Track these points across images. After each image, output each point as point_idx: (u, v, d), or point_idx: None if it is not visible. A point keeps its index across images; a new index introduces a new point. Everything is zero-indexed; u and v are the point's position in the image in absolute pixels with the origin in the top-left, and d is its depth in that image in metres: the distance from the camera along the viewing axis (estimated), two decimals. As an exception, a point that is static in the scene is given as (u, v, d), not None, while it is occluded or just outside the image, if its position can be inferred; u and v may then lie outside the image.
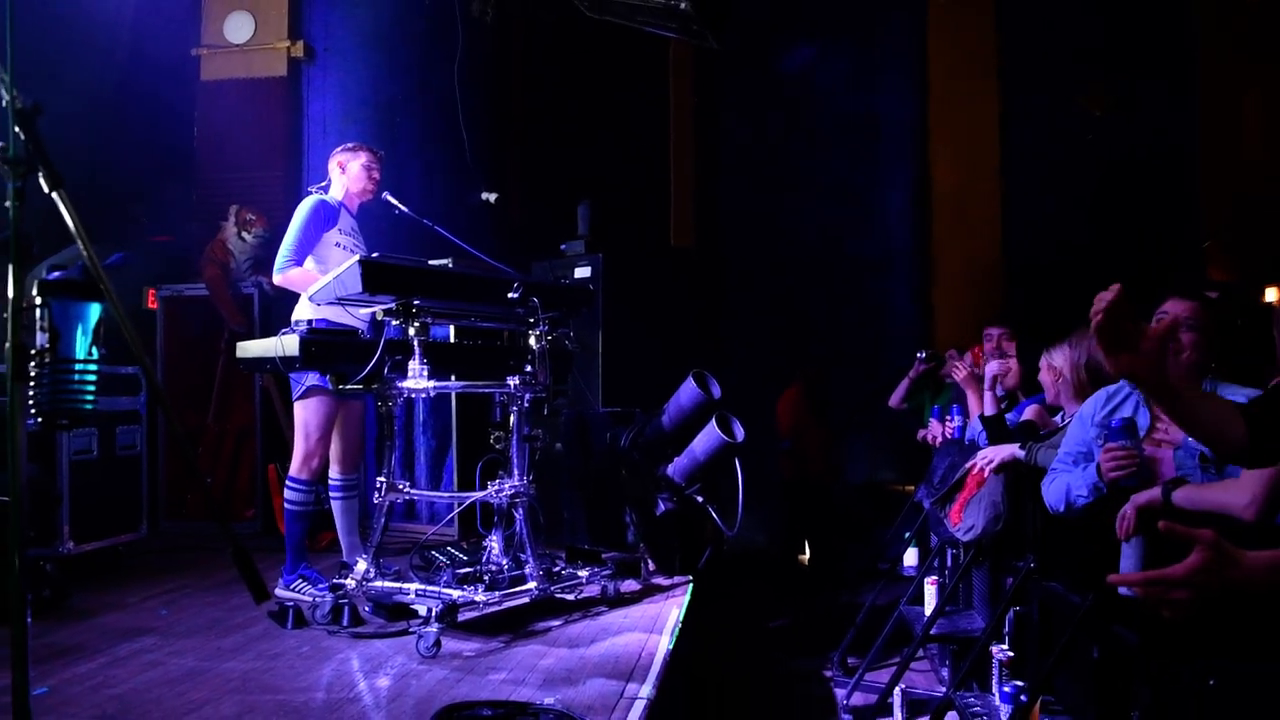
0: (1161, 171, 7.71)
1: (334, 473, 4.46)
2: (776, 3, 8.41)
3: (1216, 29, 8.05)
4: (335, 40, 7.18)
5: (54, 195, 1.61)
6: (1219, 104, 7.87)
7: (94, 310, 1.78)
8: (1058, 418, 3.89)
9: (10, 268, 1.58)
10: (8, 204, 1.60)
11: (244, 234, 6.38)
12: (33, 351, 1.65)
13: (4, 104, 1.64)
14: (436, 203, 6.49)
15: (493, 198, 7.27)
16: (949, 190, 8.34)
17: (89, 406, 1.87)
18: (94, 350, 1.82)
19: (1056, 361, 3.72)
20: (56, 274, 1.70)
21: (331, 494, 4.48)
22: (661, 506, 4.87)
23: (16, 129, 1.60)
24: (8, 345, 1.56)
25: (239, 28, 7.08)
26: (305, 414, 4.27)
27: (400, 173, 6.52)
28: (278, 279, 4.31)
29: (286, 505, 4.32)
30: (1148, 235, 7.43)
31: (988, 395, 4.55)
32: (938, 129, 8.44)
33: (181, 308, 6.50)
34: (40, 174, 1.60)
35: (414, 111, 7.22)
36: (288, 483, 4.31)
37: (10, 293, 1.57)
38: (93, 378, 1.83)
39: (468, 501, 4.27)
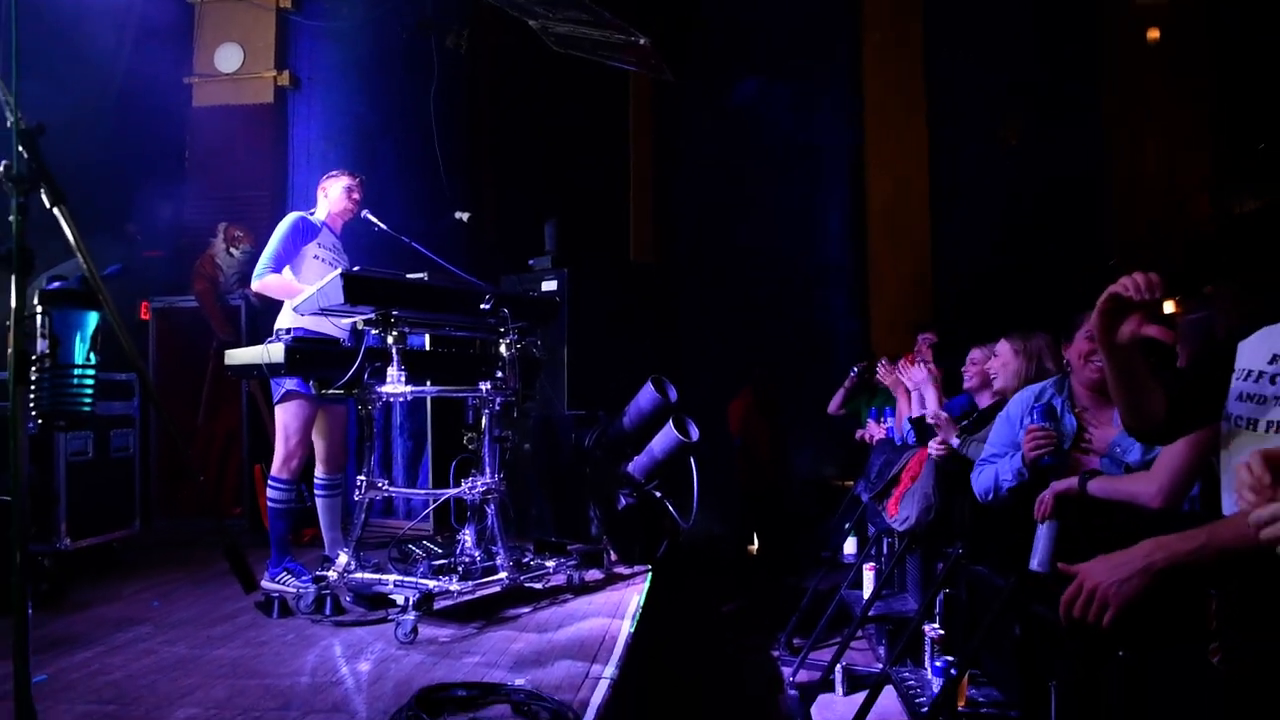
0: (1073, 194, 7.88)
1: (319, 472, 4.41)
2: (727, 40, 8.48)
3: (1121, 65, 8.26)
4: (319, 70, 7.11)
5: (55, 211, 1.58)
6: (1124, 133, 8.07)
7: (92, 319, 1.74)
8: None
9: (13, 279, 1.54)
10: (11, 218, 1.57)
11: (232, 250, 6.28)
12: (34, 357, 1.61)
13: (8, 124, 1.60)
14: (414, 221, 6.41)
15: (466, 217, 7.21)
16: (883, 210, 8.46)
17: (87, 409, 1.83)
18: (91, 356, 1.79)
19: (1005, 352, 3.74)
20: (57, 284, 1.66)
21: (316, 492, 4.42)
22: (622, 501, 4.86)
23: (20, 148, 1.57)
24: (10, 351, 1.53)
25: (229, 58, 6.98)
26: (285, 417, 4.22)
27: (381, 194, 6.44)
28: (256, 285, 4.25)
29: (270, 503, 4.26)
30: (1061, 251, 7.59)
31: (915, 397, 4.61)
32: (873, 155, 8.55)
33: (173, 318, 6.38)
34: (42, 190, 1.57)
35: (393, 136, 7.15)
36: (270, 482, 4.25)
37: (13, 302, 1.53)
38: (90, 382, 1.78)
39: (442, 498, 4.23)
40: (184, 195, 6.80)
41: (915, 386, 4.65)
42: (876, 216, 8.45)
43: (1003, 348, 3.82)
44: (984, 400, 4.32)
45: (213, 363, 6.26)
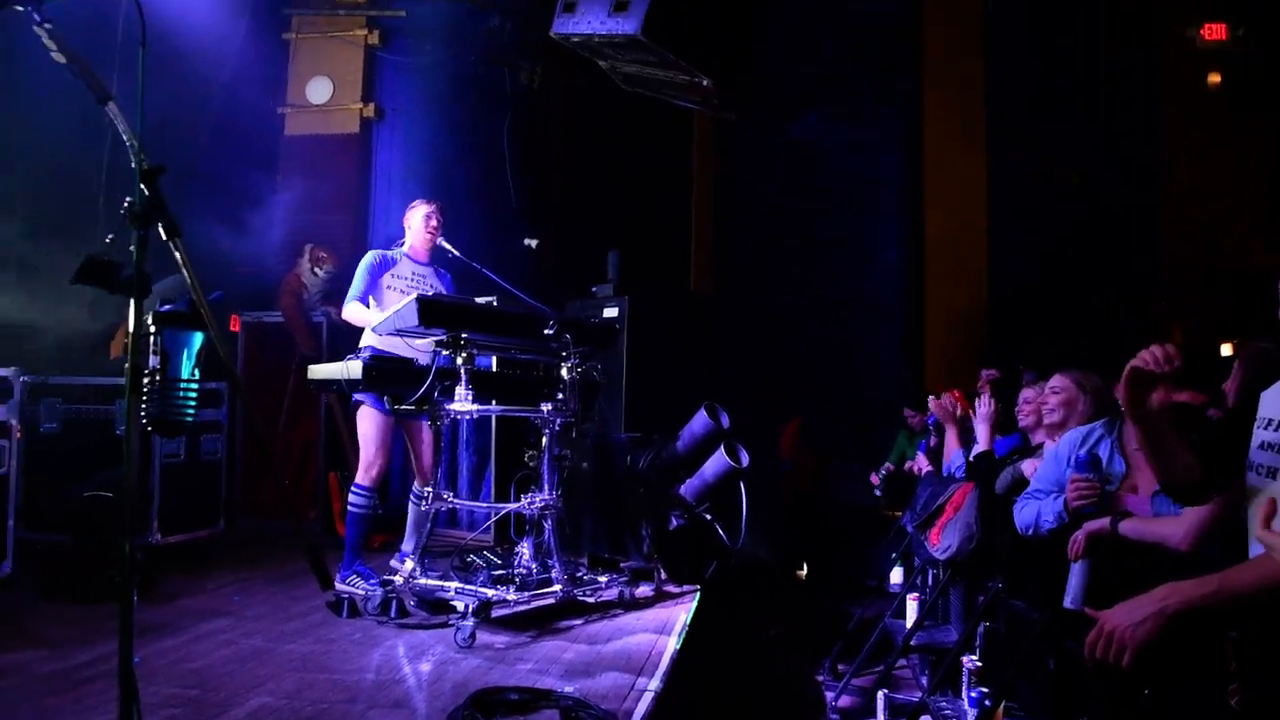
0: (1128, 234, 7.77)
1: (415, 483, 4.62)
2: (788, 76, 8.56)
3: (1180, 107, 8.15)
4: (401, 102, 7.40)
5: (170, 243, 1.74)
6: (1181, 174, 7.95)
7: (197, 338, 1.91)
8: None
9: (132, 301, 1.70)
10: (131, 248, 1.74)
11: (316, 269, 6.55)
12: (146, 371, 1.78)
13: (132, 164, 1.78)
14: (485, 246, 6.63)
15: (534, 243, 7.43)
16: (940, 243, 8.42)
17: (189, 419, 1.99)
18: (195, 371, 1.95)
19: (1063, 387, 3.67)
20: (166, 306, 1.82)
21: (410, 500, 4.61)
22: (674, 522, 4.94)
23: (142, 186, 1.74)
24: (126, 365, 1.69)
25: (319, 90, 7.31)
26: (363, 428, 4.40)
27: (454, 219, 6.66)
28: (344, 315, 4.49)
29: (349, 508, 4.43)
30: (1115, 292, 7.49)
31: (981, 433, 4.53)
32: (931, 190, 8.53)
33: (260, 332, 6.67)
34: (160, 225, 1.74)
35: (467, 165, 7.39)
36: (352, 489, 4.43)
37: (130, 322, 1.70)
38: (194, 394, 1.94)
39: (503, 511, 4.37)
40: (274, 218, 7.11)
41: (983, 420, 4.55)
42: (933, 251, 8.42)
43: (1060, 382, 3.77)
44: (1037, 438, 4.26)
45: (295, 375, 6.52)
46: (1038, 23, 8.19)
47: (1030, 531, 3.12)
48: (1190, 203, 7.89)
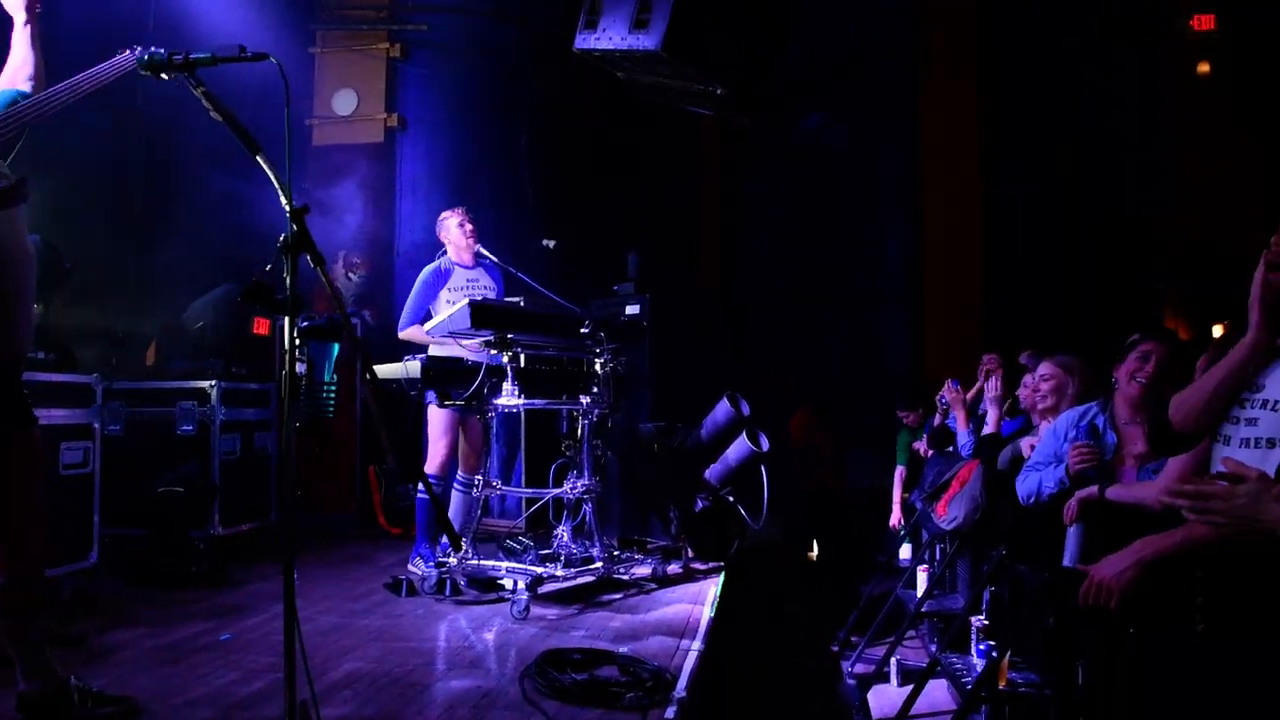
0: (1125, 225, 8.12)
1: (459, 472, 4.96)
2: (793, 79, 8.89)
3: (1178, 97, 8.48)
4: (424, 112, 7.76)
5: (317, 270, 2.11)
6: (1186, 162, 8.28)
7: (334, 348, 2.26)
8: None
9: (285, 320, 2.07)
10: (285, 276, 2.11)
11: (350, 275, 6.92)
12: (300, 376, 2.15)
13: (282, 204, 2.15)
14: (505, 246, 6.99)
15: (552, 244, 7.79)
16: (939, 238, 8.78)
17: (330, 414, 2.35)
18: (333, 375, 2.30)
19: (1053, 373, 4.03)
20: (306, 323, 2.17)
21: (455, 488, 4.95)
22: (699, 504, 5.33)
23: (292, 224, 2.11)
24: (283, 372, 2.05)
25: (345, 102, 7.66)
26: (431, 419, 4.78)
27: (477, 223, 7.03)
28: (401, 336, 4.86)
29: (418, 496, 4.79)
30: (1112, 276, 7.84)
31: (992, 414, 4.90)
32: (929, 186, 8.88)
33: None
34: (308, 256, 2.11)
35: (487, 172, 7.74)
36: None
37: (285, 338, 2.06)
38: (333, 394, 2.29)
39: (547, 496, 4.74)
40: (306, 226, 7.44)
41: (993, 402, 4.89)
42: (932, 244, 8.78)
43: (1048, 369, 4.15)
44: (1036, 419, 4.64)
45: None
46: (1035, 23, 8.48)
47: (1032, 500, 3.50)
48: (1190, 190, 8.21)
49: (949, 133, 8.66)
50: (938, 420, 5.60)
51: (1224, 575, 2.01)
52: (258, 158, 2.21)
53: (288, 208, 2.12)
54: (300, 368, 2.04)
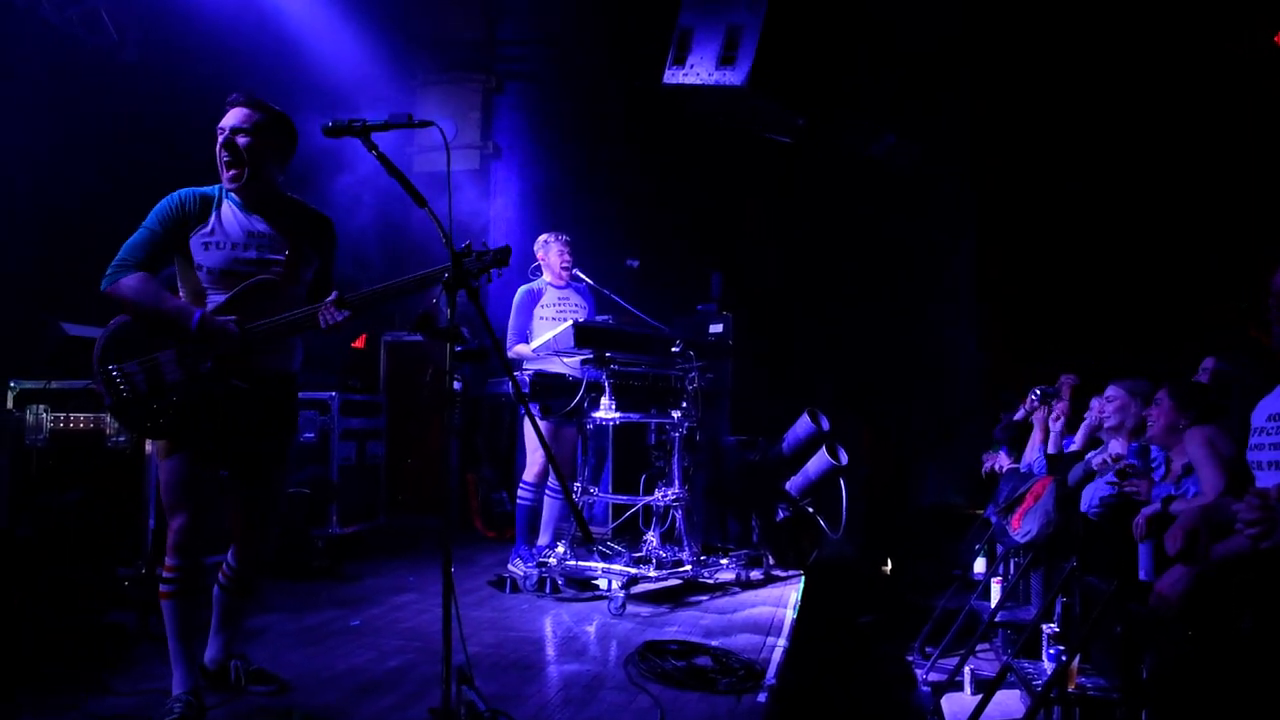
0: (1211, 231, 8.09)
1: (550, 480, 5.35)
2: (867, 104, 9.10)
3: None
4: (515, 140, 8.26)
5: (473, 305, 2.55)
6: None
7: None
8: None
9: (448, 347, 2.50)
10: (446, 309, 2.54)
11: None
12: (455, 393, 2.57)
13: (446, 248, 2.59)
14: (593, 265, 7.42)
15: (636, 264, 8.18)
16: (996, 252, 8.87)
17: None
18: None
19: (1115, 395, 4.26)
20: (460, 348, 2.58)
21: (547, 494, 5.33)
22: (780, 514, 5.65)
23: (454, 265, 2.55)
24: (445, 387, 2.47)
25: (445, 131, 8.19)
26: (531, 431, 5.17)
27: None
28: (509, 354, 5.20)
29: (518, 501, 5.16)
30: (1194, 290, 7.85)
31: (1054, 433, 5.15)
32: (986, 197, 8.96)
33: (401, 351, 7.56)
34: (465, 290, 2.54)
35: (575, 196, 8.18)
36: (520, 485, 5.16)
37: (448, 359, 2.50)
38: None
39: (640, 504, 5.12)
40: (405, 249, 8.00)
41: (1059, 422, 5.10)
42: (989, 261, 8.90)
43: (1114, 391, 4.39)
44: (1103, 436, 4.85)
45: (427, 387, 7.39)
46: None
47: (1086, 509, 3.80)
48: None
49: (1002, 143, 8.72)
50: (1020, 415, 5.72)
51: (1267, 582, 2.28)
52: (425, 209, 2.63)
53: (450, 252, 2.55)
54: (458, 385, 2.42)
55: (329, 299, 2.83)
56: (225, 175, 2.88)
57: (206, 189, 2.92)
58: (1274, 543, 2.03)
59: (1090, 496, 3.74)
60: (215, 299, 2.84)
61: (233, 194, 2.91)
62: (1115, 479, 3.53)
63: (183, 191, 2.89)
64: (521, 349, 5.20)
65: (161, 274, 2.86)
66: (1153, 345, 7.33)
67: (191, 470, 2.81)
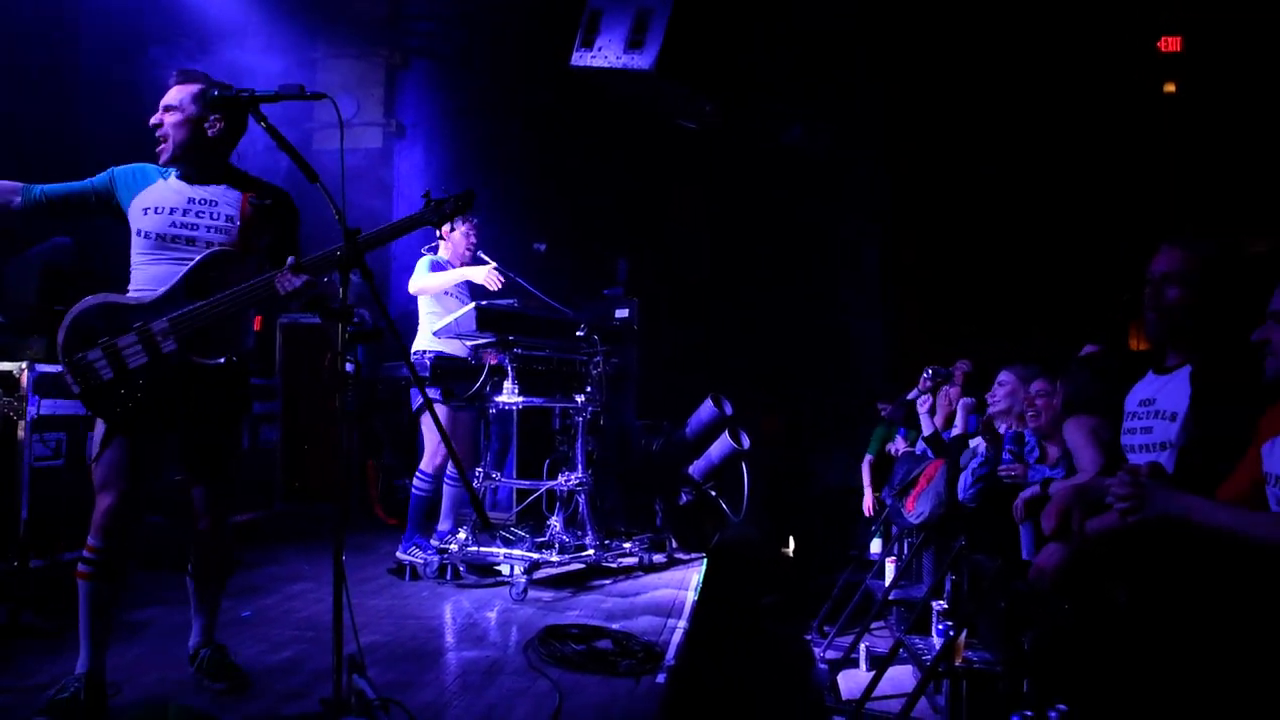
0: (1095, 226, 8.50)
1: (449, 468, 5.23)
2: (776, 91, 9.20)
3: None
4: (420, 118, 8.06)
5: (365, 283, 2.47)
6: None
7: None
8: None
9: (340, 327, 2.42)
10: (340, 290, 2.46)
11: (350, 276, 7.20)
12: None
13: (336, 220, 2.50)
14: (497, 249, 7.31)
15: (543, 248, 8.11)
16: (911, 239, 9.14)
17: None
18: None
19: (1005, 380, 4.44)
20: (351, 328, 2.49)
21: (447, 483, 5.22)
22: (683, 498, 5.70)
23: (347, 244, 2.46)
24: (337, 367, 2.40)
25: (344, 108, 7.93)
26: (427, 418, 5.06)
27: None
28: (413, 287, 5.02)
29: (413, 491, 5.02)
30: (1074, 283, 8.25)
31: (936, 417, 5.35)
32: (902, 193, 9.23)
33: (298, 334, 7.29)
34: (359, 270, 2.46)
35: (481, 177, 8.05)
36: (416, 474, 5.00)
37: (340, 339, 2.41)
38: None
39: (543, 489, 5.09)
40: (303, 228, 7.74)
41: (961, 406, 5.27)
42: (905, 249, 9.17)
43: (1005, 376, 4.56)
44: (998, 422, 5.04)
45: (326, 371, 7.15)
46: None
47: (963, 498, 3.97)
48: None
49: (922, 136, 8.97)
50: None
51: (1138, 555, 2.40)
52: (317, 184, 2.54)
53: (344, 229, 2.46)
54: (349, 367, 2.33)
55: (286, 265, 2.83)
56: (159, 150, 2.94)
57: (150, 165, 2.99)
58: (1142, 517, 2.12)
59: (962, 487, 3.90)
60: (160, 266, 2.87)
61: (174, 167, 2.96)
62: (985, 466, 3.68)
63: (120, 166, 2.97)
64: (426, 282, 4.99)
65: (40, 198, 2.86)
66: (1063, 331, 7.66)
67: (133, 454, 2.79)
